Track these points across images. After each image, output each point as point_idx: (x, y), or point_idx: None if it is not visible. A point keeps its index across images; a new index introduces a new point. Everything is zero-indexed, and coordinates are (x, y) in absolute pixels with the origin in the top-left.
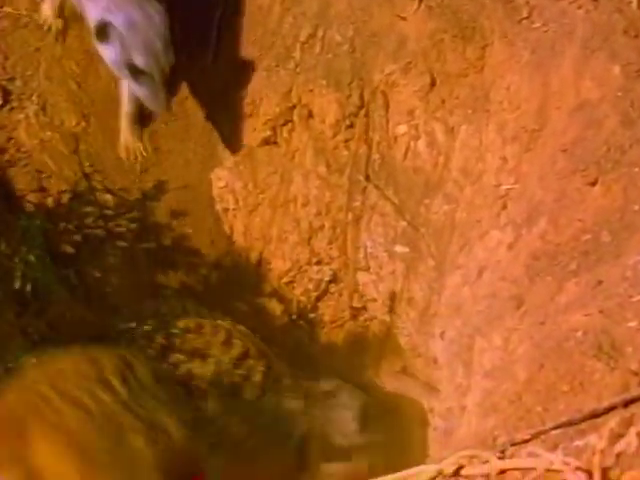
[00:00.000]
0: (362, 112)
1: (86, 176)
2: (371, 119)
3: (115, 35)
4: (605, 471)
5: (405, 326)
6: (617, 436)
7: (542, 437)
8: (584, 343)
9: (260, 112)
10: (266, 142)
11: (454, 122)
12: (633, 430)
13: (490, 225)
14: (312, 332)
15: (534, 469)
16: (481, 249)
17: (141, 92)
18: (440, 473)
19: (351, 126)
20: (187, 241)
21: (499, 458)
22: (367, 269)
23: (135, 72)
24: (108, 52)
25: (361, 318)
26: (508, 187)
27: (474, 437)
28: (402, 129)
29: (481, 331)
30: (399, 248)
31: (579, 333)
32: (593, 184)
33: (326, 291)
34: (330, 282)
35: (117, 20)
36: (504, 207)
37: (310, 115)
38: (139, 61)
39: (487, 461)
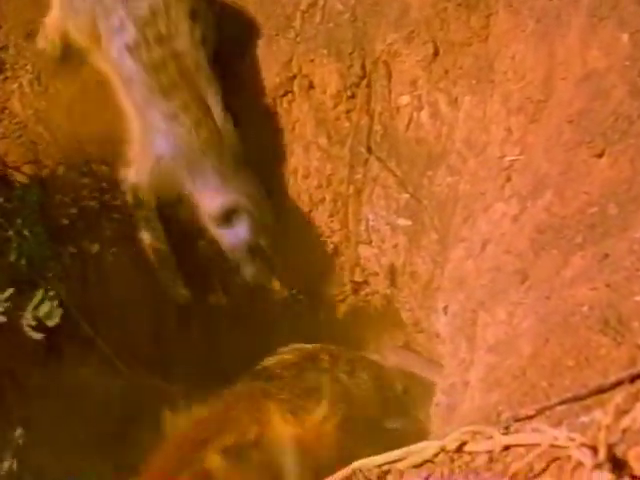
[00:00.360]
0: (364, 82)
1: (82, 147)
2: (373, 90)
3: (244, 218)
4: (611, 447)
5: (407, 300)
6: (623, 412)
7: (547, 413)
8: (590, 317)
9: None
10: (266, 113)
11: (458, 92)
12: (639, 405)
13: (494, 197)
14: (312, 307)
15: (538, 445)
16: (485, 222)
17: (251, 269)
18: (443, 449)
19: (352, 97)
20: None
21: (503, 434)
22: (369, 242)
23: (256, 253)
24: (232, 236)
25: (362, 292)
26: (513, 159)
27: (477, 413)
28: (405, 100)
29: (485, 305)
30: (401, 221)
31: (585, 307)
32: (600, 156)
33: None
34: (331, 256)
35: (246, 202)
36: (509, 179)
37: (311, 85)
38: (264, 241)
39: (491, 437)
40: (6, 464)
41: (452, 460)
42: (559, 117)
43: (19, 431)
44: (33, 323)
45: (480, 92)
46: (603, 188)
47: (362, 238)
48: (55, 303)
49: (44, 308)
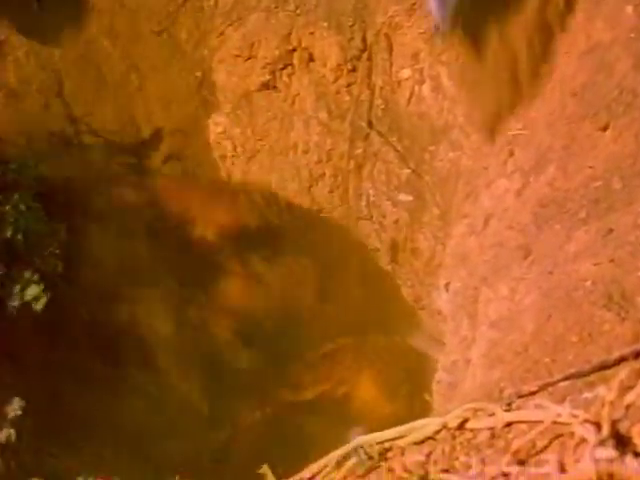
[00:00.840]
0: (364, 55)
1: (76, 119)
2: (374, 63)
3: None
4: (614, 423)
5: (409, 277)
6: (627, 388)
7: (550, 389)
8: (594, 293)
9: (259, 55)
10: (265, 87)
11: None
12: None
13: (497, 173)
14: None
15: (541, 422)
16: (487, 197)
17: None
18: (444, 426)
19: (353, 70)
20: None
21: (505, 411)
22: (369, 218)
23: None
24: None
25: None
26: (516, 133)
27: (479, 390)
28: (406, 73)
29: (487, 281)
30: (403, 196)
31: (588, 283)
32: (604, 129)
33: None
34: None
35: None
36: (511, 154)
37: (311, 58)
38: None
39: (493, 414)
40: (5, 433)
41: (454, 437)
42: (562, 91)
43: (17, 402)
44: (17, 304)
45: None
46: (607, 162)
47: (363, 214)
48: (41, 287)
49: (31, 291)
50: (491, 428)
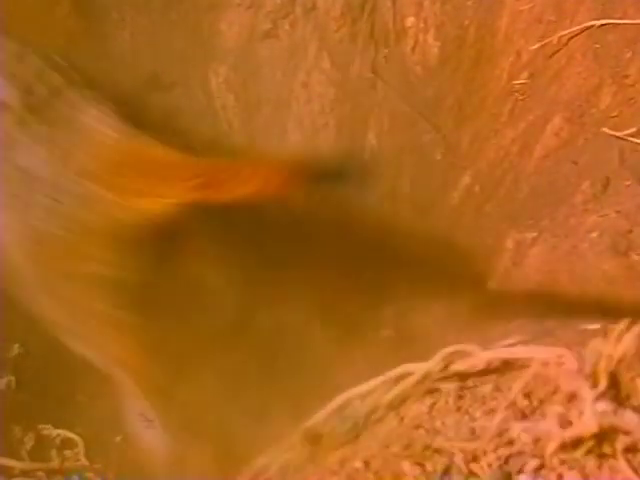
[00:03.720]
0: (368, 4)
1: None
2: (377, 11)
3: None
4: (613, 376)
5: None
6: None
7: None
8: (599, 245)
9: (260, 3)
10: (267, 36)
11: None
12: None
13: (503, 123)
14: None
15: (529, 366)
16: (494, 148)
17: None
18: (428, 375)
19: (357, 19)
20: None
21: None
22: None
23: None
24: None
25: None
26: (522, 82)
27: None
28: (410, 21)
29: None
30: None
31: (594, 234)
32: None
33: None
34: None
35: None
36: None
37: (313, 7)
38: None
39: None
40: (5, 380)
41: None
42: None
43: (16, 348)
44: None
45: None
46: None
47: None
48: None
49: None
50: (494, 380)
